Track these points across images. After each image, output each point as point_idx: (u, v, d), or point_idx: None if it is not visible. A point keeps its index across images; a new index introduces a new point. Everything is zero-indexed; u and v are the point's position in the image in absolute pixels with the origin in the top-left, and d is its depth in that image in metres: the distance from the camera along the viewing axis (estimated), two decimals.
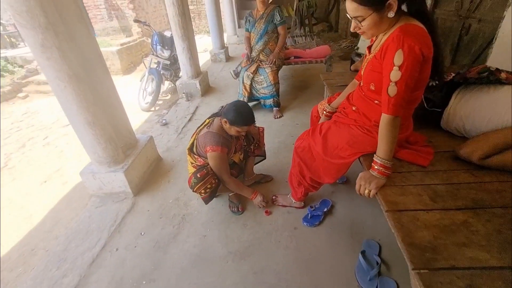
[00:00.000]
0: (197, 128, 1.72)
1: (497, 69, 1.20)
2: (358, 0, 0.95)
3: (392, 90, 0.95)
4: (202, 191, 1.59)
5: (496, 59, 2.09)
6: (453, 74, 1.31)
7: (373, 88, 1.10)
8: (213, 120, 1.64)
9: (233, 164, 1.82)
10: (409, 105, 1.07)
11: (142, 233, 1.70)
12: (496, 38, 2.08)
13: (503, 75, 1.19)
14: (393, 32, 0.96)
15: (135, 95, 3.93)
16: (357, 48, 3.16)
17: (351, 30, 1.06)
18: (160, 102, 4.07)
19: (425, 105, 1.34)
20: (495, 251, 0.79)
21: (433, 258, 0.79)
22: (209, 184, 1.58)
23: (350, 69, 2.37)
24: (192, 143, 1.69)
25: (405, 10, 1.00)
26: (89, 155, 1.83)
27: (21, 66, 6.41)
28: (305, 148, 1.43)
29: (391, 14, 0.95)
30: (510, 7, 1.94)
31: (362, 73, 1.18)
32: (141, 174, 2.06)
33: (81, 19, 1.60)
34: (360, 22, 0.99)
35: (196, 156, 1.66)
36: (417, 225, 0.90)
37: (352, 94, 1.31)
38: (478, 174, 1.09)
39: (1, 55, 6.51)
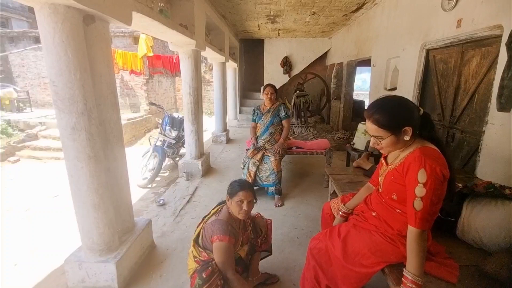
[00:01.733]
0: (204, 217, 1.65)
1: (501, 185, 1.30)
2: (378, 124, 1.09)
3: (418, 204, 1.00)
4: None
5: (484, 169, 2.28)
6: (460, 185, 1.39)
7: (395, 198, 1.14)
8: (221, 208, 1.60)
9: (238, 260, 1.67)
10: (432, 217, 1.10)
11: None
12: (481, 149, 2.33)
13: (507, 191, 1.29)
14: (413, 151, 1.07)
15: (132, 169, 3.90)
16: (353, 144, 3.42)
17: (371, 145, 1.18)
18: (158, 179, 4.03)
19: (439, 214, 1.37)
20: None
21: None
22: (215, 286, 1.41)
23: (353, 165, 2.50)
24: (198, 233, 1.59)
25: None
26: (82, 240, 1.67)
27: (22, 130, 6.51)
28: (322, 250, 1.36)
29: (406, 138, 1.09)
30: (487, 124, 2.25)
31: (380, 181, 1.25)
32: (131, 265, 1.85)
33: (114, 107, 1.73)
34: (380, 140, 1.12)
35: (200, 250, 1.53)
36: None
37: (370, 199, 1.35)
38: None
39: (5, 118, 6.68)
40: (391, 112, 1.08)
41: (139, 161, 3.97)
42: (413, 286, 0.99)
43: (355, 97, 7.28)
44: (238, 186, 1.54)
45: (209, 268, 1.43)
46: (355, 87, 7.19)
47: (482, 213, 1.29)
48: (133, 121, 6.45)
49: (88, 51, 1.52)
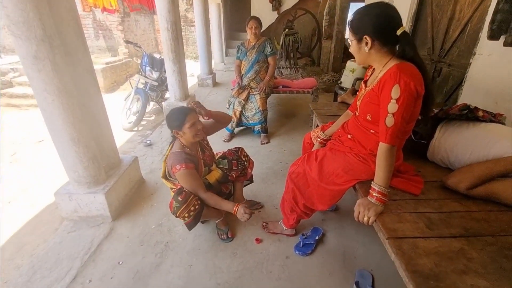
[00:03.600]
0: (164, 156, 1.67)
1: (475, 107, 1.33)
2: (349, 25, 1.12)
3: (390, 121, 1.02)
4: (186, 215, 1.48)
5: (466, 99, 2.31)
6: (437, 110, 1.42)
7: (369, 119, 1.16)
8: (173, 144, 1.62)
9: (208, 186, 1.68)
10: (403, 136, 1.14)
11: (120, 262, 1.55)
12: (464, 81, 2.33)
13: (480, 113, 1.32)
14: (390, 68, 1.04)
15: (116, 114, 3.81)
16: (341, 83, 3.36)
17: (350, 50, 1.18)
18: (144, 122, 3.98)
19: (413, 137, 1.43)
20: (493, 278, 0.81)
21: (437, 286, 0.79)
22: (192, 206, 1.48)
23: (337, 101, 2.49)
24: (164, 171, 1.63)
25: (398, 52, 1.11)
26: (68, 174, 1.70)
27: None
28: (300, 174, 1.43)
29: (365, 49, 1.08)
30: (475, 55, 2.21)
31: (358, 104, 1.25)
32: (122, 197, 1.93)
33: (79, 35, 1.58)
34: (350, 45, 1.15)
35: (173, 181, 1.60)
36: (418, 253, 0.91)
37: (347, 123, 1.37)
38: (465, 203, 1.15)
39: None
40: (358, 15, 1.09)
41: (122, 105, 3.84)
42: (379, 195, 1.08)
43: (347, 36, 6.90)
44: (181, 114, 1.52)
45: (183, 192, 1.48)
46: (347, 26, 6.76)
47: (453, 134, 1.34)
48: (113, 65, 6.04)
49: None
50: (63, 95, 1.45)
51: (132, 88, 3.80)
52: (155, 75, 3.88)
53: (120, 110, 3.77)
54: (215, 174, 1.70)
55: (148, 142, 2.92)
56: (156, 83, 3.90)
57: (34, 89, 1.43)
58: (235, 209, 1.49)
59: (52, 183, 2.47)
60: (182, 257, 1.57)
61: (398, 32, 1.04)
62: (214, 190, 1.71)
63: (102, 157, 1.82)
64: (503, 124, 1.38)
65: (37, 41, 1.32)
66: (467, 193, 1.15)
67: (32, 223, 1.99)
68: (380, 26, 1.04)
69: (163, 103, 3.72)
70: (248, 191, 2.02)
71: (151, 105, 4.38)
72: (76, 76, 1.59)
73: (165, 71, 3.65)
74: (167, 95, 4.27)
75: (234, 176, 1.77)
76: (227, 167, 1.74)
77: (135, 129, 3.67)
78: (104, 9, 6.36)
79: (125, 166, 1.99)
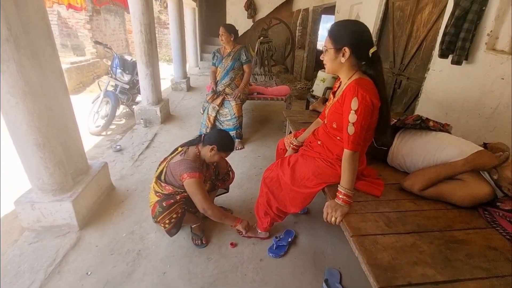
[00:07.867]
0: (168, 156, 1.67)
1: (427, 118, 1.50)
2: (329, 33, 1.18)
3: (351, 129, 1.13)
4: (167, 221, 1.50)
5: (422, 109, 2.57)
6: (395, 120, 1.58)
7: (335, 126, 1.27)
8: (188, 149, 1.62)
9: None
10: (364, 143, 1.25)
11: (89, 273, 1.49)
12: (420, 94, 2.59)
13: (431, 123, 1.50)
14: (350, 83, 1.16)
15: (82, 117, 3.62)
16: (312, 91, 3.53)
17: (321, 57, 1.27)
18: (113, 126, 3.82)
19: (375, 144, 1.57)
20: (439, 268, 0.94)
21: (393, 277, 0.89)
22: (175, 214, 1.51)
23: (309, 109, 2.62)
24: (161, 171, 1.62)
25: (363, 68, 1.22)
26: (31, 181, 1.61)
27: None
28: (274, 179, 1.50)
29: (342, 59, 1.16)
30: (429, 71, 2.47)
31: (326, 113, 1.35)
32: (90, 205, 1.86)
33: (47, 36, 1.51)
34: (324, 52, 1.22)
35: (163, 184, 1.58)
36: (377, 248, 1.01)
37: (317, 130, 1.47)
38: (419, 203, 1.29)
39: None
40: (342, 27, 1.16)
41: (89, 108, 3.66)
42: (345, 197, 1.18)
43: (319, 47, 7.24)
44: (229, 148, 1.65)
45: (171, 200, 1.50)
46: (319, 37, 7.10)
47: (409, 142, 1.50)
48: (79, 66, 5.73)
49: None
50: (29, 98, 1.38)
51: (101, 90, 3.64)
52: (126, 78, 3.77)
53: (87, 113, 3.59)
54: (207, 185, 1.76)
55: (118, 147, 2.82)
56: (127, 86, 3.78)
57: None
58: (236, 224, 1.64)
59: (8, 191, 2.29)
60: (155, 264, 1.55)
61: (370, 51, 1.15)
62: None
63: (69, 163, 1.74)
64: (450, 133, 1.57)
65: (1, 41, 1.25)
66: (420, 194, 1.30)
67: None
68: (361, 42, 1.14)
69: (134, 107, 3.61)
70: (223, 196, 2.05)
71: (121, 109, 4.22)
72: (43, 78, 1.52)
73: (137, 74, 3.56)
74: (138, 98, 4.15)
75: (219, 184, 1.85)
76: (213, 177, 1.80)
77: (104, 133, 3.52)
78: (70, 6, 6.01)
79: (94, 172, 1.92)
